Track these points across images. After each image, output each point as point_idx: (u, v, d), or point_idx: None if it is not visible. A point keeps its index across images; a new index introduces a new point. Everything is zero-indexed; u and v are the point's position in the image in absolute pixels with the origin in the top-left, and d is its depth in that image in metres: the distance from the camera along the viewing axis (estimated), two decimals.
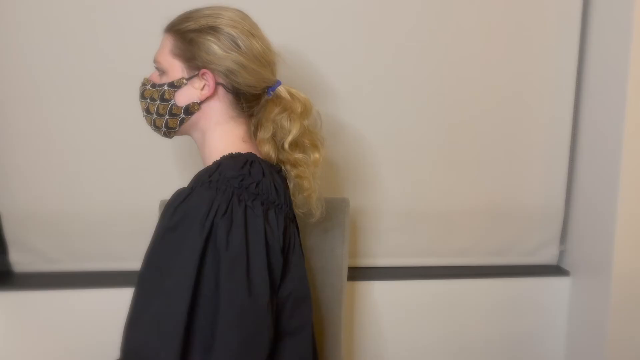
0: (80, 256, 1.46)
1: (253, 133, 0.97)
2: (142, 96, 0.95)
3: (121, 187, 1.42)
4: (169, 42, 0.91)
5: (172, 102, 0.91)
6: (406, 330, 1.58)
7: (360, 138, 1.47)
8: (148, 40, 1.34)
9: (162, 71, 0.92)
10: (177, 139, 1.41)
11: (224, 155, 0.89)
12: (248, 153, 0.91)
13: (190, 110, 0.92)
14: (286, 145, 0.96)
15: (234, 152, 0.90)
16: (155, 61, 0.94)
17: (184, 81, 0.90)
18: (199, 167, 1.45)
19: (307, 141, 0.98)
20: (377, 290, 1.54)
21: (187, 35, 0.89)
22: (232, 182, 0.82)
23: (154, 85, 0.93)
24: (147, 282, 0.81)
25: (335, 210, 1.22)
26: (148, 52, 1.37)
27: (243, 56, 0.89)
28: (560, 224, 1.60)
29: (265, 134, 0.95)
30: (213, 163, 0.88)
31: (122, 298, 1.43)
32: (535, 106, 1.51)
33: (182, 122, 0.93)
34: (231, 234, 0.78)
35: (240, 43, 0.89)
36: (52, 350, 1.44)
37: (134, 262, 1.46)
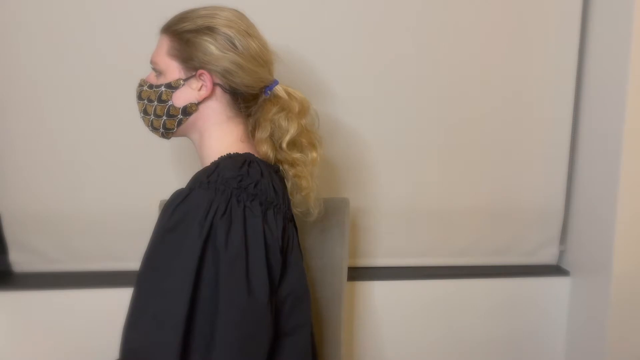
0: (80, 256, 1.46)
1: (251, 133, 0.97)
2: (139, 97, 0.95)
3: (121, 187, 1.42)
4: (166, 43, 0.91)
5: (170, 103, 0.91)
6: (406, 330, 1.58)
7: (360, 138, 1.47)
8: (147, 40, 1.34)
9: (159, 72, 0.92)
10: (176, 139, 1.41)
11: (221, 156, 0.89)
12: (246, 153, 0.91)
13: (187, 111, 0.92)
14: (284, 145, 0.95)
15: (231, 153, 0.90)
16: (151, 62, 0.93)
17: (182, 82, 0.90)
18: (198, 168, 1.45)
19: (304, 140, 0.98)
20: (377, 290, 1.54)
21: (183, 35, 0.89)
22: (231, 182, 0.82)
23: (151, 86, 0.93)
24: (146, 283, 0.81)
25: (335, 210, 1.22)
26: (147, 52, 1.38)
27: (240, 56, 0.89)
28: (560, 224, 1.60)
29: (263, 133, 0.95)
30: (211, 163, 0.88)
31: (122, 298, 1.43)
32: (535, 106, 1.51)
33: (179, 123, 0.93)
34: (230, 235, 0.78)
35: (237, 43, 0.89)
36: (52, 350, 1.44)
37: (134, 262, 1.45)
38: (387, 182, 1.51)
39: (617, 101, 1.36)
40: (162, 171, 1.42)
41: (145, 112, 0.95)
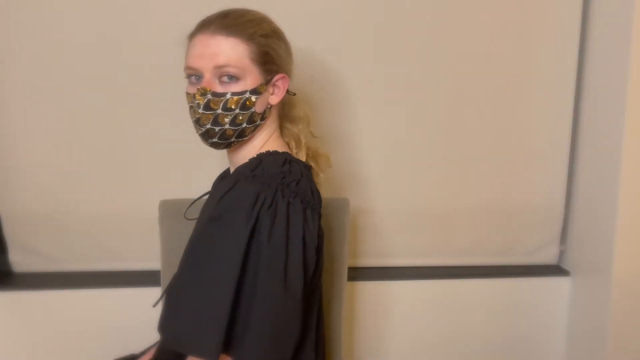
0: (80, 256, 1.46)
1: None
2: (207, 108, 0.86)
3: (121, 187, 1.42)
4: (242, 47, 0.85)
5: (253, 109, 0.88)
6: (406, 330, 1.58)
7: (360, 138, 1.47)
8: (149, 41, 1.34)
9: (233, 77, 0.86)
10: (176, 139, 1.41)
11: (261, 153, 0.91)
12: (284, 152, 0.93)
13: (264, 115, 0.92)
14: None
15: (271, 150, 0.92)
16: (226, 65, 0.85)
17: (264, 87, 0.89)
18: (199, 167, 1.45)
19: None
20: (377, 290, 1.54)
21: (260, 40, 0.87)
22: (275, 178, 0.84)
23: (220, 94, 0.86)
24: (191, 271, 0.82)
25: (335, 210, 1.22)
26: (148, 54, 1.38)
27: (292, 58, 0.94)
28: (560, 224, 1.60)
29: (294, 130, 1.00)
30: (250, 160, 0.89)
31: (122, 298, 1.44)
32: (535, 106, 1.51)
33: (255, 128, 0.91)
34: (274, 228, 0.80)
35: (290, 47, 0.93)
36: (52, 350, 1.44)
37: (134, 262, 1.47)
38: (387, 182, 1.51)
39: (617, 101, 1.36)
40: (162, 171, 1.42)
41: (215, 123, 0.87)
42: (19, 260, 1.46)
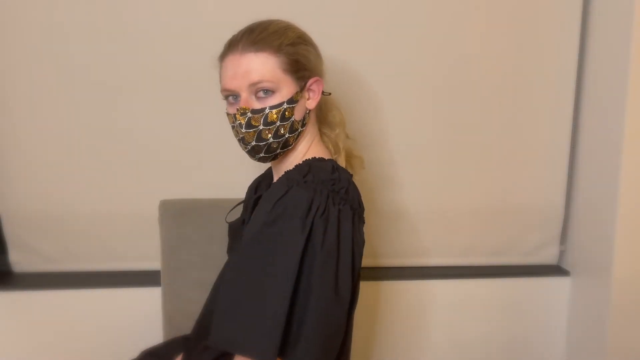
0: (80, 256, 1.46)
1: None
2: (249, 126, 0.87)
3: (121, 187, 1.42)
4: (273, 60, 0.87)
5: (292, 118, 0.89)
6: (406, 330, 1.58)
7: (359, 138, 1.46)
8: (149, 41, 1.34)
9: (269, 91, 0.87)
10: (176, 139, 1.41)
11: (308, 159, 0.91)
12: (330, 159, 0.93)
13: (304, 121, 0.92)
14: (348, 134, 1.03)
15: (316, 157, 0.92)
16: (260, 82, 0.86)
17: (300, 94, 0.90)
18: (199, 168, 1.45)
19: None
20: (377, 291, 1.54)
21: (288, 49, 0.88)
22: (326, 184, 0.85)
23: (259, 111, 0.87)
24: (245, 275, 0.82)
25: None
26: (147, 53, 1.38)
27: (321, 59, 0.94)
28: (560, 224, 1.60)
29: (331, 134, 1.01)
30: (298, 165, 0.90)
31: (122, 298, 1.44)
32: (535, 106, 1.51)
33: (298, 135, 0.92)
34: (326, 234, 0.81)
35: (317, 47, 0.94)
36: (52, 350, 1.44)
37: (134, 262, 1.47)
38: (387, 182, 1.51)
39: (617, 101, 1.36)
40: (163, 171, 1.42)
41: (259, 139, 0.88)
42: (19, 260, 1.46)
